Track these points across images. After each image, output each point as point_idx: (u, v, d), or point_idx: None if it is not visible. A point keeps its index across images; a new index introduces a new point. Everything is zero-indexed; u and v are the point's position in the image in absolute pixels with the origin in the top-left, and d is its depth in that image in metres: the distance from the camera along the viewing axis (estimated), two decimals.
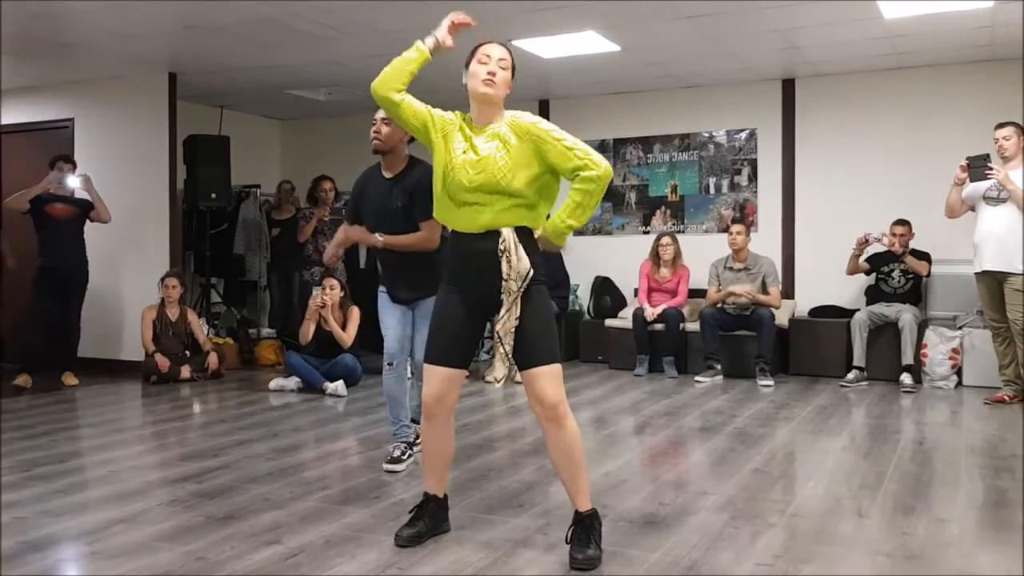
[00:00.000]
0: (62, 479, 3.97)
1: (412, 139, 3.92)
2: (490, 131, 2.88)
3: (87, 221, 7.06)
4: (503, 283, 2.82)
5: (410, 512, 3.15)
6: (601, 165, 2.80)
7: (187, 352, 7.20)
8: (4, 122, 8.06)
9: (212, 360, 7.13)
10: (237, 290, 8.85)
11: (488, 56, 2.88)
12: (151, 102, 7.52)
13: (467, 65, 2.93)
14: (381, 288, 4.23)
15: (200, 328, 7.34)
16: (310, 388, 6.49)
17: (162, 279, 7.14)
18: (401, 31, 6.14)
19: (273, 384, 6.64)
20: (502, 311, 2.83)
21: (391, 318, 4.17)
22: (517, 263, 2.80)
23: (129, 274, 7.65)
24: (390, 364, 4.20)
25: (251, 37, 6.30)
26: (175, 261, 7.56)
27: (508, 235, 2.82)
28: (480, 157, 2.83)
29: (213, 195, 7.84)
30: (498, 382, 2.79)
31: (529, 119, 2.88)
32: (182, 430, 5.20)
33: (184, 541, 3.09)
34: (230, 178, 8.02)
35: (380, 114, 3.95)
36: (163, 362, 6.89)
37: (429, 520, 3.09)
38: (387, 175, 4.06)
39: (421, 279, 4.01)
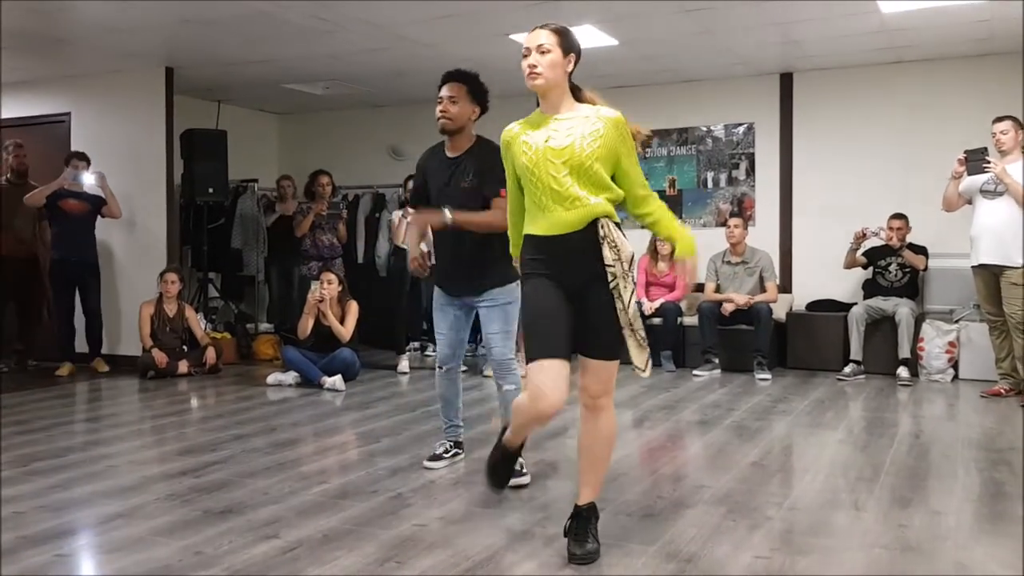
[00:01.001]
0: (60, 474, 3.97)
1: (480, 116, 3.83)
2: (575, 117, 2.82)
3: (99, 217, 7.33)
4: (609, 269, 2.75)
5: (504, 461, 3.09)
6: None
7: (184, 347, 7.20)
8: (1, 116, 8.05)
9: (210, 355, 7.12)
10: (234, 285, 8.84)
11: (528, 49, 2.82)
12: (148, 96, 7.51)
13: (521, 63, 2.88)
14: (436, 286, 3.99)
15: (197, 323, 7.33)
16: (308, 383, 6.48)
17: (161, 274, 7.14)
18: (397, 25, 6.13)
19: (271, 379, 6.64)
20: (627, 298, 2.75)
21: (444, 323, 3.95)
22: (622, 247, 2.77)
23: (126, 269, 7.65)
24: (441, 367, 4.02)
25: (248, 31, 6.29)
26: (172, 256, 7.56)
27: (605, 222, 2.77)
28: (563, 146, 2.76)
29: (210, 190, 7.83)
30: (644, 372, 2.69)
31: (625, 131, 2.83)
32: (179, 425, 5.20)
33: (182, 535, 3.09)
34: (227, 172, 8.00)
35: (446, 91, 3.77)
36: (160, 357, 6.89)
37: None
38: (451, 155, 3.84)
39: (484, 267, 3.78)
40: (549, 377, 2.70)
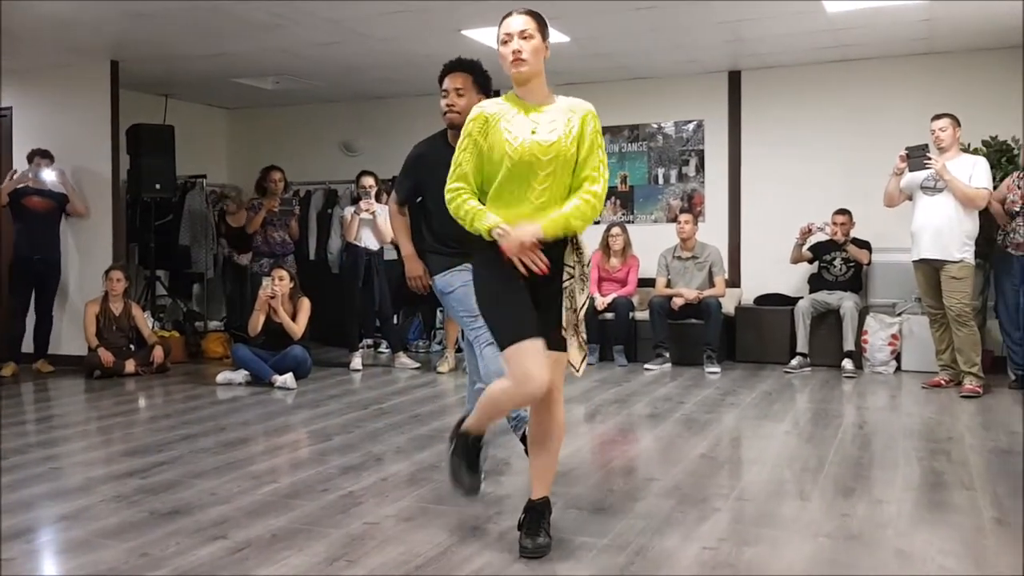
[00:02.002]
0: (3, 476, 3.88)
1: None
2: (553, 109, 2.78)
3: (64, 214, 7.28)
4: (567, 269, 2.77)
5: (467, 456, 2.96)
6: (603, 191, 2.80)
7: (132, 346, 7.09)
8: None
9: (157, 354, 7.02)
10: (183, 282, 8.71)
11: (509, 35, 2.75)
12: (93, 91, 7.37)
13: (500, 49, 2.81)
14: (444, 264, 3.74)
15: (144, 322, 7.22)
16: (259, 381, 6.42)
17: (106, 272, 7.02)
18: (349, 19, 6.09)
19: (220, 377, 6.56)
20: (580, 299, 2.78)
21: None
22: (584, 251, 2.82)
23: (71, 266, 7.50)
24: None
25: (196, 24, 6.19)
26: (119, 253, 7.43)
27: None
28: (551, 142, 2.72)
29: (157, 186, 7.71)
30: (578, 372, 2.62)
31: (597, 124, 2.81)
32: (126, 425, 5.12)
33: (127, 537, 3.05)
34: (175, 168, 7.88)
35: (451, 83, 3.59)
36: (107, 357, 6.77)
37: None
38: None
39: None
40: (531, 358, 2.65)
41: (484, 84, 3.65)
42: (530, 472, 2.96)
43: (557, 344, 2.79)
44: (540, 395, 2.71)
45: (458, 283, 3.67)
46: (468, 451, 2.94)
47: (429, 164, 3.65)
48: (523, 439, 3.64)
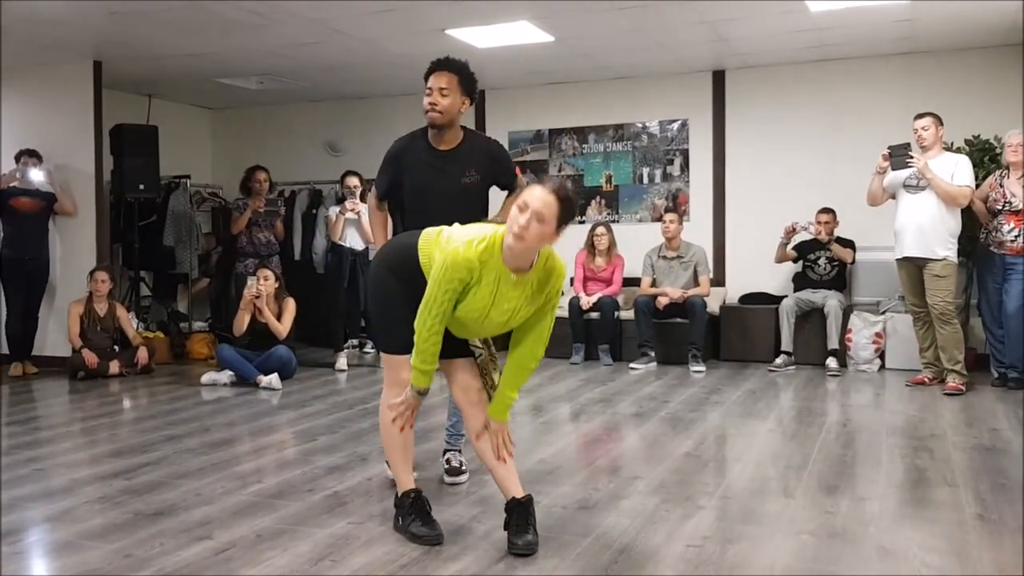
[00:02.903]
0: None
1: (472, 103, 3.61)
2: (532, 276, 2.76)
3: (53, 214, 7.27)
4: (478, 348, 3.05)
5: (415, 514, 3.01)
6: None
7: (116, 347, 7.05)
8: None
9: (142, 355, 6.98)
10: (167, 283, 8.67)
11: (526, 204, 2.66)
12: (76, 91, 7.31)
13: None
14: None
15: (129, 322, 7.18)
16: (243, 382, 6.40)
17: (91, 273, 6.99)
18: (333, 19, 6.08)
19: (205, 378, 6.53)
20: (495, 376, 3.02)
21: None
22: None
23: (55, 267, 7.44)
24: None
25: (180, 23, 6.16)
26: (102, 254, 7.39)
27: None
28: (515, 314, 2.80)
29: (141, 186, 7.66)
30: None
31: (560, 284, 2.86)
32: (111, 426, 5.09)
33: (112, 538, 3.03)
34: (159, 168, 7.84)
35: (436, 81, 3.49)
36: (91, 358, 6.73)
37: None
38: (442, 148, 3.55)
39: None
40: (406, 368, 2.92)
41: (469, 86, 3.58)
42: (496, 481, 2.99)
43: (460, 351, 2.99)
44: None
45: None
46: (414, 507, 3.01)
47: (407, 162, 3.60)
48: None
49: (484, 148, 3.66)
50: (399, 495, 3.06)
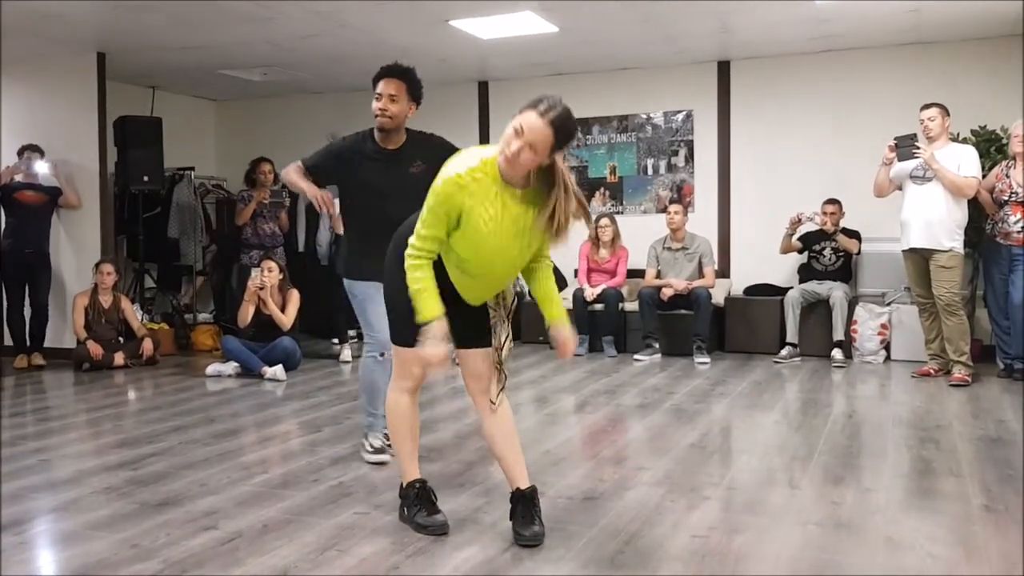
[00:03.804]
0: None
1: (417, 107, 3.80)
2: (531, 193, 2.70)
3: (57, 207, 7.28)
4: (492, 310, 2.92)
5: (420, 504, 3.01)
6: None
7: (121, 339, 7.06)
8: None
9: (147, 346, 7.00)
10: (172, 275, 8.68)
11: (520, 128, 2.59)
12: (79, 83, 7.31)
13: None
14: (356, 281, 3.84)
15: (134, 314, 7.20)
16: (248, 373, 6.40)
17: (96, 265, 7.00)
18: (337, 11, 6.06)
19: (210, 370, 6.54)
20: (502, 337, 2.92)
21: (380, 306, 3.88)
22: (508, 295, 2.95)
23: (59, 259, 7.45)
24: (383, 355, 3.86)
25: (183, 15, 6.15)
26: (107, 246, 7.40)
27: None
28: (527, 228, 2.72)
29: (145, 178, 7.67)
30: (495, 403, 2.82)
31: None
32: (116, 417, 5.10)
33: (118, 529, 3.04)
34: (163, 160, 7.84)
35: (385, 87, 3.70)
36: (96, 349, 6.74)
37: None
38: (390, 147, 3.80)
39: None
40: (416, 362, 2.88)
41: (416, 92, 3.79)
42: (504, 470, 2.97)
43: (475, 341, 2.93)
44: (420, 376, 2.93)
45: (357, 292, 3.86)
46: (420, 498, 3.00)
47: (357, 161, 3.79)
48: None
49: (428, 142, 3.87)
50: (404, 485, 3.05)
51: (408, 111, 3.77)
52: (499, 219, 2.67)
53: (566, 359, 2.81)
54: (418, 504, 2.99)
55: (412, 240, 2.75)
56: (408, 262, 2.74)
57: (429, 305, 2.68)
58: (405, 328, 2.85)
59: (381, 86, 3.73)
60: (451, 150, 3.69)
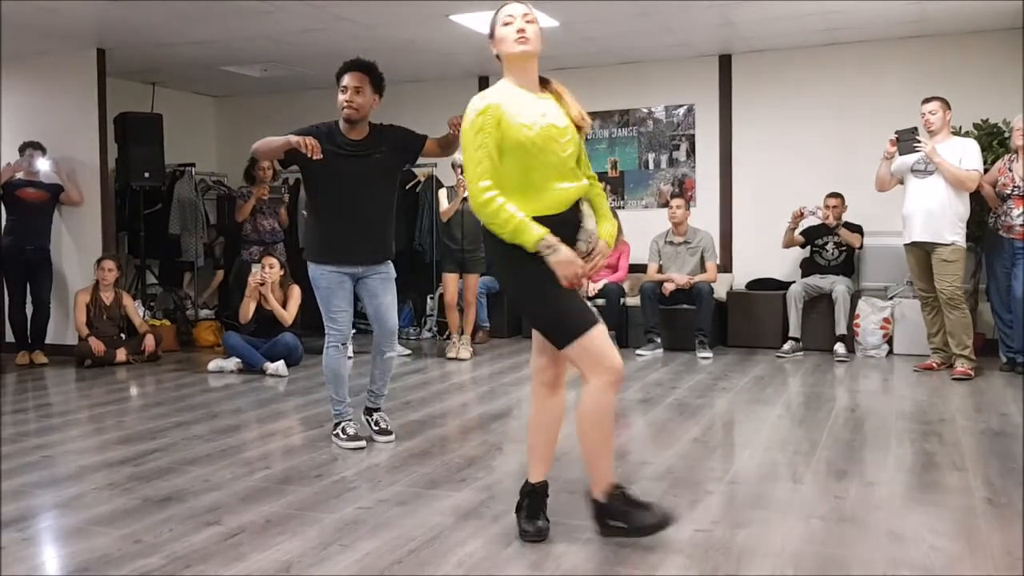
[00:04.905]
0: None
1: (381, 99, 4.02)
2: (544, 96, 2.83)
3: (59, 204, 7.29)
4: (584, 243, 2.79)
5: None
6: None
7: (122, 335, 7.06)
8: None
9: (148, 342, 7.00)
10: (173, 271, 8.67)
11: (512, 16, 2.80)
12: (79, 79, 7.30)
13: (491, 35, 2.87)
14: (322, 265, 4.00)
15: (135, 310, 7.20)
16: (250, 368, 6.40)
17: (98, 262, 7.00)
18: (337, 7, 6.05)
19: (212, 365, 6.54)
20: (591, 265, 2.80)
21: (343, 300, 4.03)
22: (591, 222, 2.84)
23: (60, 256, 7.45)
24: (344, 345, 4.12)
25: (183, 11, 6.14)
26: (108, 242, 7.39)
27: (584, 204, 2.84)
28: (565, 125, 2.78)
29: (146, 174, 7.67)
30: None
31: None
32: (118, 413, 5.10)
33: (121, 524, 3.04)
34: (163, 157, 7.84)
35: (350, 80, 3.93)
36: (97, 345, 6.74)
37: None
38: (355, 138, 4.02)
39: (387, 237, 4.09)
40: (607, 341, 2.71)
41: (379, 84, 4.02)
42: (534, 456, 2.89)
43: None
44: (622, 374, 2.72)
45: (322, 283, 4.01)
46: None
47: (326, 150, 3.86)
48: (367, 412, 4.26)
49: (389, 131, 4.12)
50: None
51: (372, 102, 3.99)
52: (537, 109, 2.74)
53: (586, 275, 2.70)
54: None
55: (476, 189, 2.67)
56: (488, 208, 2.64)
57: (532, 228, 2.61)
58: (573, 312, 2.67)
59: (346, 79, 3.94)
60: (412, 134, 4.10)
